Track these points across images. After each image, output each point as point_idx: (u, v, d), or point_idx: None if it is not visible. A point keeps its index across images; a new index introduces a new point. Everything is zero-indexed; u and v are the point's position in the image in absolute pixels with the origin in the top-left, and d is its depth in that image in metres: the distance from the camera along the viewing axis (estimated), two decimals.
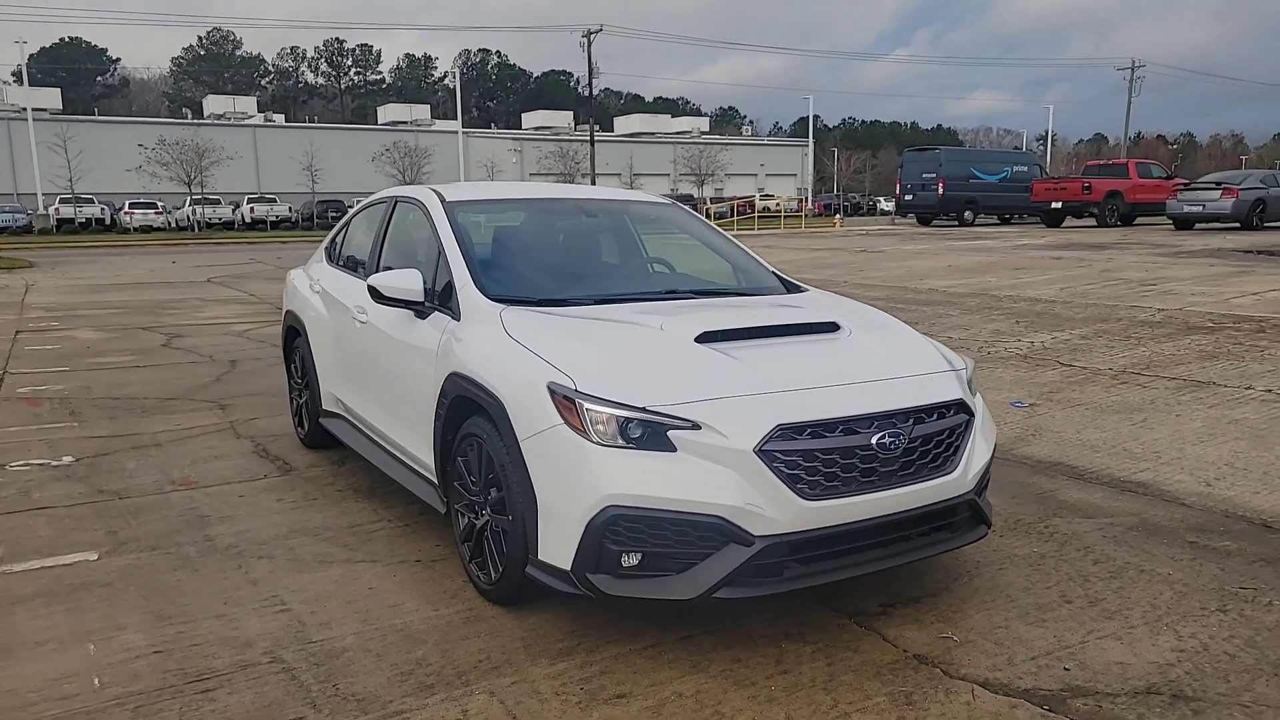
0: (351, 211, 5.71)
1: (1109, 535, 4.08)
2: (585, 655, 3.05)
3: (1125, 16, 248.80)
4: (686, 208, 5.14)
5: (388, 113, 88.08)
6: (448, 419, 3.64)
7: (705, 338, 3.32)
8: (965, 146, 40.57)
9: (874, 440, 2.99)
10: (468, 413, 3.52)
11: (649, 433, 2.89)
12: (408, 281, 3.96)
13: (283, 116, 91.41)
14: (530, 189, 5.20)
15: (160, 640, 3.19)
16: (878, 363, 3.33)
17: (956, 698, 2.76)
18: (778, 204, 56.52)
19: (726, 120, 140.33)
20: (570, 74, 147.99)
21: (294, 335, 5.83)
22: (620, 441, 2.89)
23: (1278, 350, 7.51)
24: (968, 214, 32.04)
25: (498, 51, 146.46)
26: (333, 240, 5.71)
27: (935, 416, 3.19)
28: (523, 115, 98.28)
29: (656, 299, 3.95)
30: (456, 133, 63.51)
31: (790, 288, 4.42)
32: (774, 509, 2.85)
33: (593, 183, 54.50)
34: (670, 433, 2.88)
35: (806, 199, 69.87)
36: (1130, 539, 4.03)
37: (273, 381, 7.82)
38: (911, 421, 3.11)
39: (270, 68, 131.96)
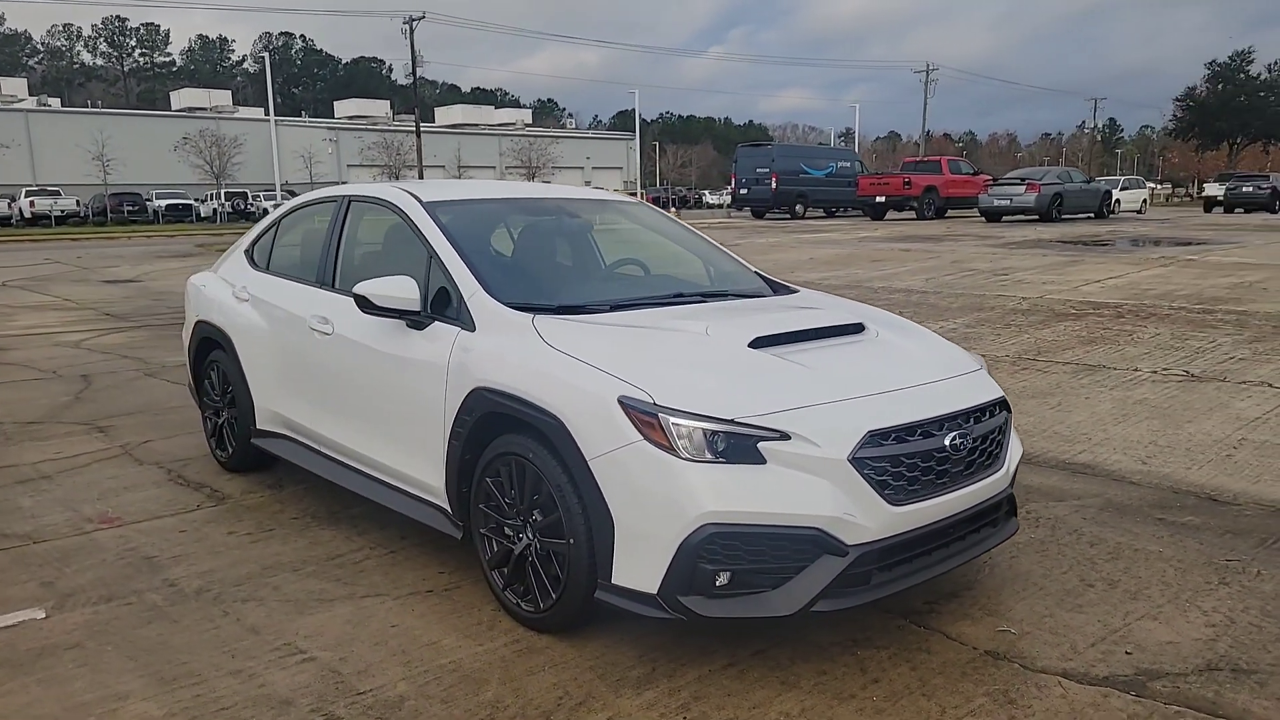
0: (277, 212, 5.21)
1: (1087, 517, 4.31)
2: (668, 681, 2.90)
3: (916, 23, 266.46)
4: (655, 207, 5.03)
5: (182, 98, 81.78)
6: (470, 437, 3.38)
7: (758, 343, 3.24)
8: (775, 143, 42.07)
9: (946, 442, 3.00)
10: (500, 430, 3.29)
11: (738, 445, 2.78)
12: (402, 290, 3.65)
13: (58, 101, 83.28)
14: (500, 187, 4.92)
15: (178, 707, 2.79)
16: (925, 364, 3.36)
17: (1049, 691, 2.82)
18: None
19: (546, 112, 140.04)
20: (383, 61, 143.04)
21: (209, 348, 5.28)
22: (708, 456, 2.77)
23: (1143, 333, 8.22)
24: (799, 207, 33.37)
25: (302, 35, 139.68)
26: (255, 244, 5.20)
27: (987, 415, 3.25)
28: (335, 104, 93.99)
29: (669, 303, 3.82)
30: (268, 121, 59.85)
31: (778, 288, 4.40)
32: (866, 517, 2.81)
33: (420, 175, 52.96)
34: (760, 444, 2.78)
35: (636, 193, 70.62)
36: (1107, 519, 4.27)
37: (146, 398, 7.11)
38: (972, 421, 3.15)
39: (39, 46, 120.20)
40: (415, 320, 3.69)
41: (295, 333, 4.47)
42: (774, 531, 2.74)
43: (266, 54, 69.36)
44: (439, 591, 3.61)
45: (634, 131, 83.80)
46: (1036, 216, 26.76)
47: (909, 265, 13.98)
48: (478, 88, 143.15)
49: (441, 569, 3.81)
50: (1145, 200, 38.55)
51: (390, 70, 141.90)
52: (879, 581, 2.92)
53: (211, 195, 53.78)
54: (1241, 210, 37.05)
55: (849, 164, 35.18)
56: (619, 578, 2.88)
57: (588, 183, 77.24)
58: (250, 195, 54.03)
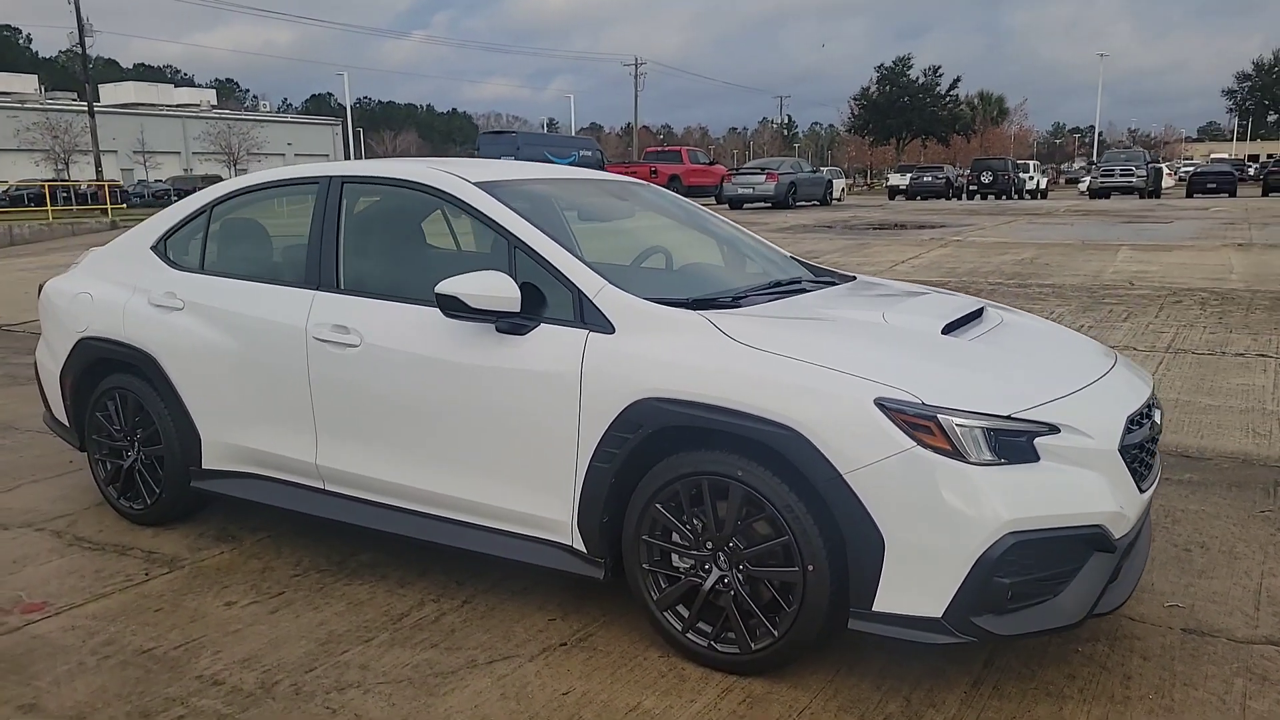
0: (203, 198, 4.15)
1: None
2: (935, 711, 2.61)
3: (618, 19, 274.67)
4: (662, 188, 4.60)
5: None
6: (628, 459, 2.86)
7: (948, 330, 3.01)
8: (518, 131, 41.64)
9: (1149, 427, 2.94)
10: (679, 446, 2.80)
11: (1014, 444, 2.53)
12: (498, 288, 3.02)
13: None
14: (534, 169, 4.20)
15: None
16: (1085, 347, 3.30)
17: (1275, 663, 2.85)
18: None
19: (228, 94, 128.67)
20: (20, 30, 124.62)
21: (103, 372, 4.16)
22: (990, 457, 2.50)
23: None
24: None
25: None
26: (169, 237, 4.12)
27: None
28: None
29: (783, 293, 3.45)
30: None
31: (826, 272, 4.18)
32: (1129, 508, 2.69)
33: (97, 161, 46.64)
34: (1035, 440, 2.56)
35: None
36: None
37: None
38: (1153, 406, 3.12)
39: None
40: (514, 323, 3.07)
41: (282, 347, 3.59)
42: (1064, 534, 2.54)
43: None
44: (573, 643, 3.05)
45: (338, 117, 79.40)
46: (773, 204, 28.51)
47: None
48: (142, 64, 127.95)
49: (553, 615, 3.23)
50: (844, 189, 42.36)
51: (30, 40, 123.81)
52: (1123, 580, 2.79)
53: None
54: (920, 198, 41.76)
55: (591, 153, 35.46)
56: (885, 603, 2.54)
57: None
58: None
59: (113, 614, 3.32)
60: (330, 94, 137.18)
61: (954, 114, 68.13)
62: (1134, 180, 35.83)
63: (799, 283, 3.64)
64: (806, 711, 2.62)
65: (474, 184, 3.43)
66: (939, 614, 2.50)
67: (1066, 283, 10.33)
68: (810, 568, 2.61)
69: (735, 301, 3.18)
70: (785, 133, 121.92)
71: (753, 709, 2.64)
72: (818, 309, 3.20)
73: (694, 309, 2.97)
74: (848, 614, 2.61)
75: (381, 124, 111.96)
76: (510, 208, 3.30)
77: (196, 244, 4.08)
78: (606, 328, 2.97)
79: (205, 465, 3.90)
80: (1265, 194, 36.98)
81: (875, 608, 2.56)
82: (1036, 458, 2.55)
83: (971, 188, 41.42)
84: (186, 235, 4.12)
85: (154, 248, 4.15)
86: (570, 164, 34.46)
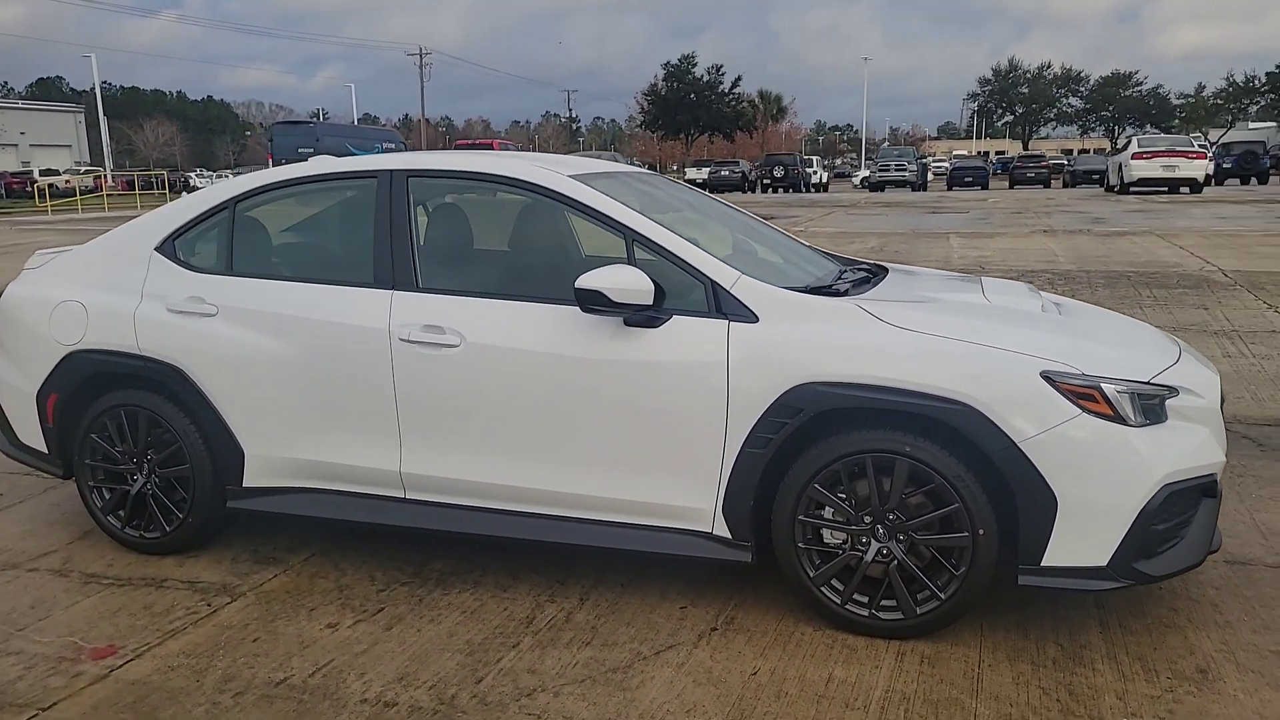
0: (222, 193, 3.76)
1: None
2: (1096, 649, 2.89)
3: (393, 5, 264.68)
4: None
5: None
6: (784, 444, 2.95)
7: (1044, 309, 3.31)
8: (317, 121, 39.47)
9: None
10: (835, 429, 2.93)
11: (1152, 405, 2.85)
12: (636, 281, 3.02)
13: None
14: (587, 164, 4.09)
15: None
16: (1138, 324, 3.73)
17: None
18: (68, 182, 48.20)
19: None
20: None
21: (106, 388, 3.74)
22: (1142, 419, 2.81)
23: None
24: None
25: None
26: (179, 237, 3.73)
27: None
28: None
29: (865, 279, 3.61)
30: None
31: (848, 261, 4.41)
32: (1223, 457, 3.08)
33: None
34: (1166, 402, 2.89)
35: (105, 176, 60.38)
36: None
37: None
38: None
39: None
40: (648, 316, 3.08)
41: (357, 351, 3.39)
42: (1192, 484, 2.89)
43: None
44: (722, 627, 3.10)
45: (73, 103, 71.69)
46: None
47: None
48: None
49: (678, 604, 3.26)
50: None
51: None
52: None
53: None
54: (718, 191, 43.52)
55: (394, 145, 34.23)
56: (1054, 558, 2.80)
57: (25, 163, 64.46)
58: None
59: (204, 649, 3.02)
60: (61, 78, 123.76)
61: (738, 111, 71.24)
62: (907, 174, 39.10)
63: (863, 270, 3.84)
64: (984, 665, 2.83)
65: (574, 178, 3.38)
66: (1104, 563, 2.78)
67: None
68: (981, 531, 2.82)
69: (835, 289, 3.32)
70: (573, 126, 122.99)
71: (935, 669, 2.82)
72: (921, 293, 3.41)
73: (833, 297, 3.10)
74: (1015, 571, 2.85)
75: (126, 112, 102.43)
76: (623, 203, 3.29)
77: (218, 244, 3.73)
78: (749, 317, 3.04)
79: (247, 483, 3.60)
80: (1012, 186, 41.37)
81: (1044, 563, 2.81)
82: (1166, 417, 2.89)
83: (765, 181, 43.70)
84: (203, 234, 3.76)
85: (160, 249, 3.76)
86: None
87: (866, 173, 44.14)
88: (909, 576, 2.93)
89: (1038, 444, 2.75)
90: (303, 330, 3.47)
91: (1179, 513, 2.90)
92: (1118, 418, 2.77)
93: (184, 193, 41.90)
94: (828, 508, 2.98)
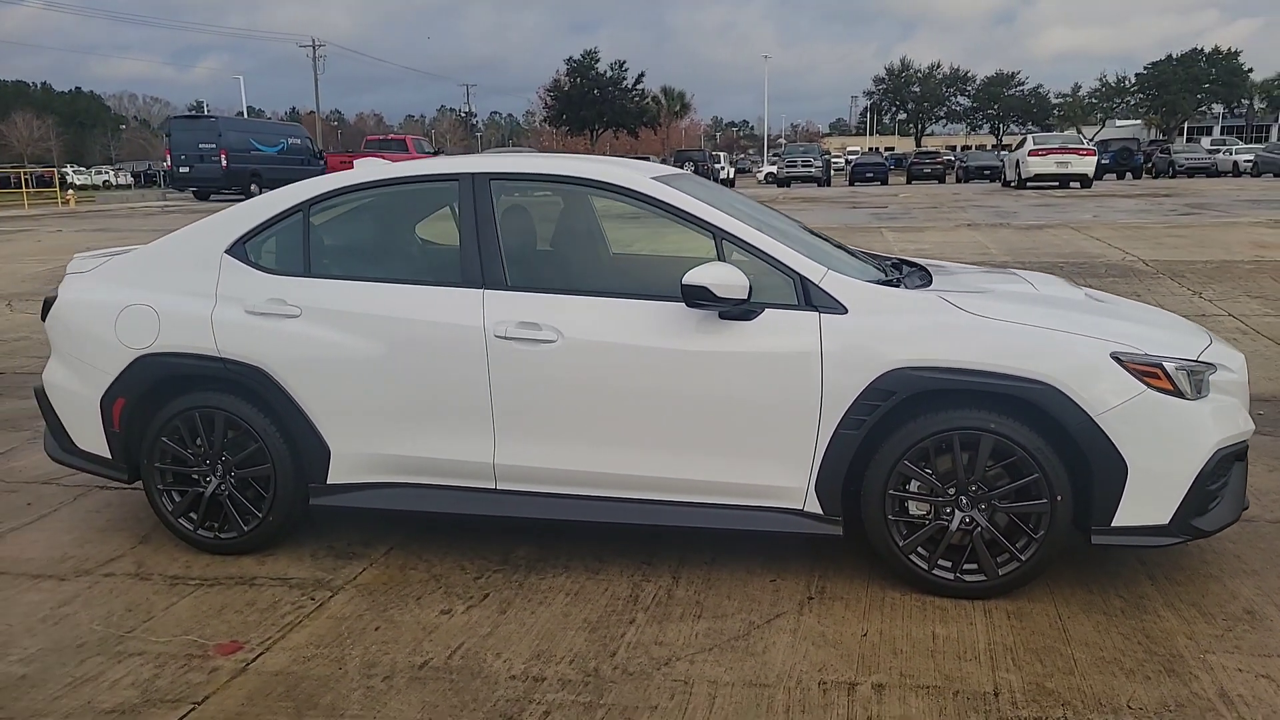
0: (291, 197, 3.77)
1: None
2: (1153, 600, 3.25)
3: None
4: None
5: None
6: (875, 426, 3.22)
7: (1089, 296, 3.67)
8: (218, 115, 37.79)
9: None
10: (926, 409, 3.21)
11: (1200, 380, 3.22)
12: (735, 277, 3.24)
13: None
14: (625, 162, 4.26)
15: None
16: (1155, 309, 4.12)
17: None
18: None
19: None
20: None
21: (181, 390, 3.74)
22: (1194, 393, 3.18)
23: None
24: (253, 187, 30.75)
25: None
26: (248, 240, 3.74)
27: None
28: None
29: (925, 275, 3.89)
30: None
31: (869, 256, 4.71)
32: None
33: None
34: (1209, 376, 3.27)
35: None
36: None
37: None
38: None
39: None
40: (745, 309, 3.30)
41: (451, 348, 3.50)
42: (1232, 449, 3.27)
43: None
44: (818, 597, 3.35)
45: None
46: None
47: None
48: None
49: (768, 578, 3.49)
50: None
51: None
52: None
53: None
54: None
55: (300, 140, 33.23)
56: (1123, 519, 3.14)
57: None
58: None
59: (329, 640, 3.10)
60: None
61: (641, 107, 71.69)
62: (813, 170, 40.22)
63: (910, 266, 4.13)
64: (1064, 617, 3.16)
65: (657, 180, 3.58)
66: (1167, 521, 3.14)
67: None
68: (1059, 498, 3.15)
69: (899, 283, 3.60)
70: (470, 121, 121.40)
71: (1024, 623, 3.13)
72: (979, 285, 3.72)
73: (915, 289, 3.38)
74: (1089, 533, 3.18)
75: None
76: (708, 203, 3.50)
77: (293, 246, 3.77)
78: (838, 309, 3.29)
79: (332, 480, 3.67)
80: (909, 181, 42.92)
81: (1114, 524, 3.15)
82: (1209, 391, 3.27)
83: None
84: (277, 237, 3.79)
85: (230, 251, 3.78)
86: (279, 152, 32.36)
87: (772, 168, 45.12)
88: (991, 542, 3.23)
89: (1111, 417, 3.08)
90: (392, 329, 3.55)
91: (1221, 475, 3.28)
92: (1177, 392, 3.13)
93: (67, 190, 38.93)
94: (915, 482, 3.26)
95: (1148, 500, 3.13)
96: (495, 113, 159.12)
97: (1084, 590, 3.34)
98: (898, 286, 3.45)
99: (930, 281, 3.70)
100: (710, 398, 3.34)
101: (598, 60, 71.30)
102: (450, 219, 3.78)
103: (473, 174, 3.69)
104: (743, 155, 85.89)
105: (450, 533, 3.92)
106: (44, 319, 3.99)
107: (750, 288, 3.26)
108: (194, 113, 33.62)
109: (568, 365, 3.42)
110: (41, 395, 3.99)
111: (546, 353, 3.43)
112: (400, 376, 3.55)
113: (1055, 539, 3.18)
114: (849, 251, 4.13)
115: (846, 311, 3.28)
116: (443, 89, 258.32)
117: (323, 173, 28.76)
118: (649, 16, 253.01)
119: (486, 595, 3.41)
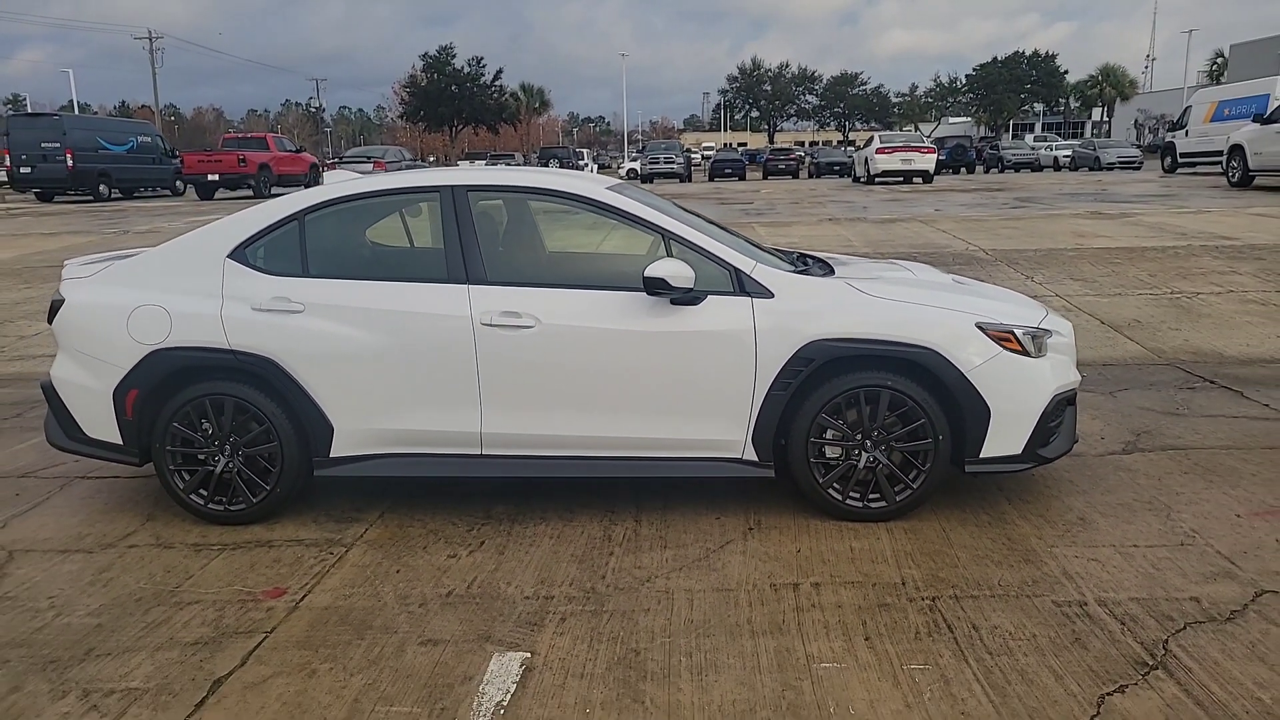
0: (286, 207, 4.26)
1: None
2: (1053, 528, 4.20)
3: None
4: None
5: None
6: (800, 387, 4.03)
7: (954, 279, 4.60)
8: (61, 114, 35.58)
9: None
10: (839, 372, 4.03)
11: (1041, 342, 4.17)
12: (684, 270, 3.98)
13: None
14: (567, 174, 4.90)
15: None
16: (1001, 289, 5.11)
17: (1133, 460, 4.89)
18: None
19: None
20: None
21: (191, 380, 4.19)
22: (1036, 353, 4.13)
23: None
24: (102, 188, 29.40)
25: None
26: (249, 246, 4.22)
27: None
28: None
29: (826, 265, 4.74)
30: None
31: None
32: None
33: None
34: (1048, 339, 4.23)
35: None
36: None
37: None
38: None
39: None
40: (692, 296, 4.05)
41: (443, 335, 4.09)
42: (1065, 395, 4.25)
43: None
44: (757, 528, 4.12)
45: None
46: None
47: None
48: None
49: (714, 515, 4.25)
50: None
51: None
52: None
53: None
54: None
55: (150, 138, 31.81)
56: (988, 451, 4.06)
57: None
58: None
59: (360, 581, 3.67)
60: None
61: (500, 104, 71.68)
62: (675, 166, 41.52)
63: (811, 258, 4.98)
64: (948, 529, 4.05)
65: (611, 189, 4.28)
66: (1019, 451, 4.09)
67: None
68: (940, 437, 4.04)
69: (808, 272, 4.44)
70: (319, 116, 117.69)
71: (918, 535, 4.00)
72: (873, 273, 4.59)
73: (818, 276, 4.22)
74: (963, 465, 4.09)
75: None
76: (654, 208, 4.24)
77: (291, 250, 4.26)
78: (767, 294, 4.08)
79: (334, 454, 4.20)
80: (765, 177, 44.79)
81: (982, 455, 4.07)
82: (1048, 351, 4.24)
83: None
84: (275, 242, 4.27)
85: (232, 256, 4.24)
86: (128, 151, 30.98)
87: (635, 165, 46.21)
88: (889, 475, 4.11)
89: (978, 373, 4.00)
90: (389, 320, 4.12)
91: (1056, 416, 4.26)
92: (1025, 352, 4.07)
93: None
94: (831, 431, 4.09)
95: (1006, 436, 4.07)
96: (345, 107, 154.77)
97: (960, 510, 4.26)
98: (809, 275, 4.28)
99: (833, 271, 4.56)
100: (665, 369, 4.07)
101: (454, 56, 70.84)
102: (426, 224, 4.38)
103: (452, 186, 4.29)
104: (602, 152, 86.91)
105: (434, 498, 4.51)
106: (50, 322, 4.33)
107: (695, 278, 4.01)
108: (25, 110, 31.48)
109: (545, 346, 4.08)
110: (50, 389, 4.33)
111: (526, 336, 4.08)
112: (398, 361, 4.12)
113: (938, 470, 4.08)
114: (762, 248, 4.94)
115: (773, 296, 4.08)
116: (286, 82, 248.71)
117: (177, 172, 27.71)
118: (505, 12, 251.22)
119: (483, 543, 4.04)
